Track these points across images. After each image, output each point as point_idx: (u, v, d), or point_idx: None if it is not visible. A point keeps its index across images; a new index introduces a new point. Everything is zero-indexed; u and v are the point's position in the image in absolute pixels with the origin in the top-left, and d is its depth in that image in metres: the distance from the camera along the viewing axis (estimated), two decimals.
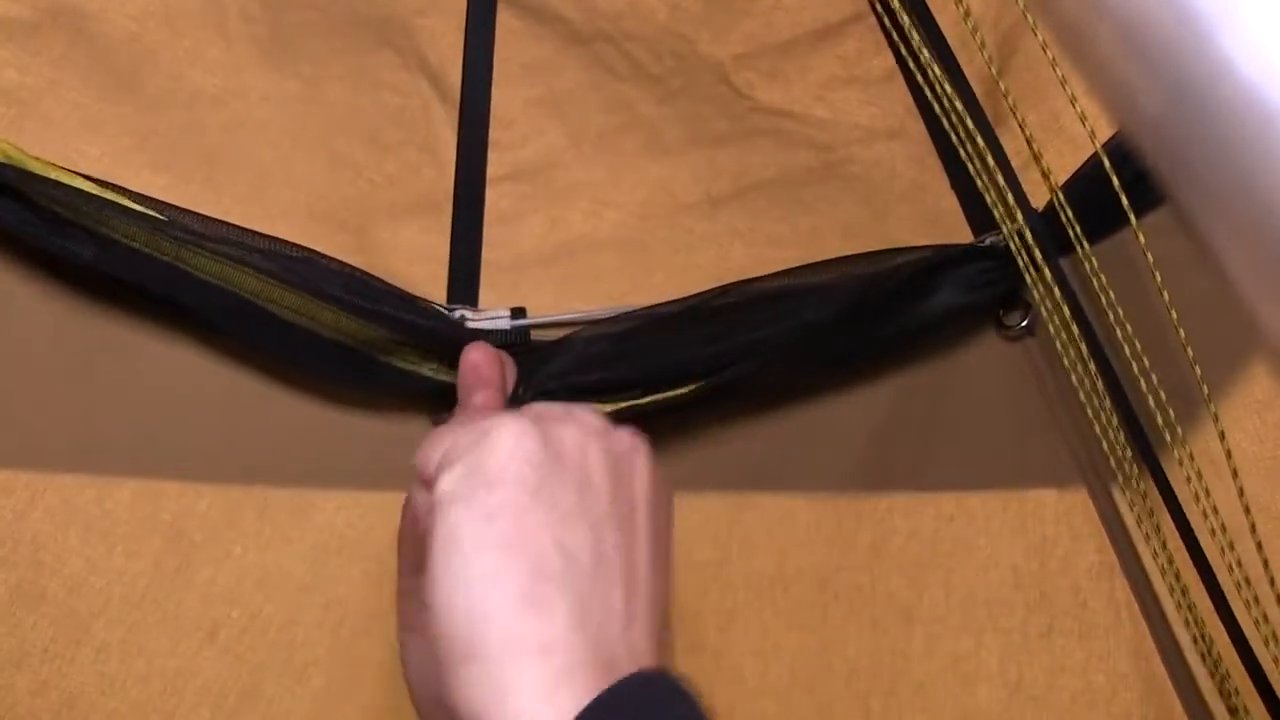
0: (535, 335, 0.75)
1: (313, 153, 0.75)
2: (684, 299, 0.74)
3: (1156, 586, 0.78)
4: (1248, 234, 0.23)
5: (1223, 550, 0.71)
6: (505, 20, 0.78)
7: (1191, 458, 0.71)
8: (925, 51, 0.73)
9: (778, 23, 0.80)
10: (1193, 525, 0.74)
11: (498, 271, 0.77)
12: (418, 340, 0.70)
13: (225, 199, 0.73)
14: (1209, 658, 0.73)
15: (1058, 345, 0.74)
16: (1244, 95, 0.22)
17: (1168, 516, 0.75)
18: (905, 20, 0.74)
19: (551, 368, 0.71)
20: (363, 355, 0.71)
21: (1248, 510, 0.70)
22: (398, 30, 0.77)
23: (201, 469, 0.73)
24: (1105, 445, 0.75)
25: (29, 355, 0.71)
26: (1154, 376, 0.72)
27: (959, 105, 0.73)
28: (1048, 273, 0.74)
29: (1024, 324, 0.80)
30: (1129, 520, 0.79)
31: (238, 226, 0.69)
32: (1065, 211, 0.73)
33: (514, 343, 0.74)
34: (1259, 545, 0.70)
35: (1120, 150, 0.70)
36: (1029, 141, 0.75)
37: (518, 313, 0.74)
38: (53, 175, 0.65)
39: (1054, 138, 0.77)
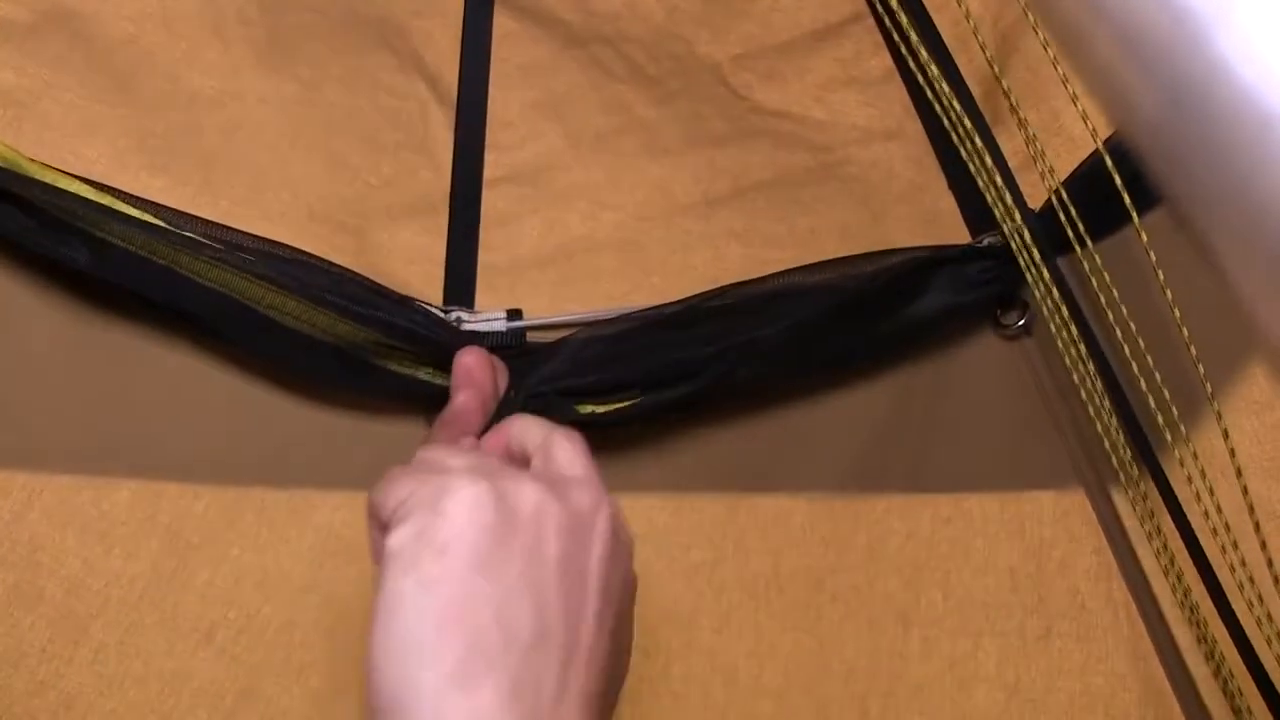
0: (532, 337, 0.75)
1: (310, 154, 0.75)
2: (681, 301, 0.74)
3: (1156, 588, 0.78)
4: (1244, 235, 0.23)
5: (1224, 550, 0.71)
6: (502, 22, 0.78)
7: (1195, 457, 0.71)
8: (924, 51, 0.73)
9: (775, 24, 0.80)
10: (1194, 526, 0.74)
11: (495, 273, 0.77)
12: (413, 344, 0.70)
13: (223, 200, 0.73)
14: (1212, 658, 0.73)
15: (1059, 344, 0.74)
16: (1240, 97, 0.22)
17: (1168, 517, 0.75)
18: (903, 20, 0.74)
19: (544, 371, 0.70)
20: (358, 359, 0.71)
21: (1252, 509, 0.70)
22: (394, 32, 0.77)
23: (199, 470, 0.73)
24: (1106, 445, 0.75)
25: (27, 356, 0.71)
26: (1157, 375, 0.72)
27: (956, 105, 0.73)
28: (1045, 272, 0.74)
29: (1021, 324, 0.80)
30: (1128, 521, 0.79)
31: (233, 229, 0.69)
32: (1065, 210, 0.73)
33: (510, 344, 0.74)
34: (1263, 544, 0.70)
35: (1119, 150, 0.70)
36: (1028, 142, 0.75)
37: (514, 314, 0.74)
38: (49, 178, 0.65)
39: (1053, 137, 0.77)
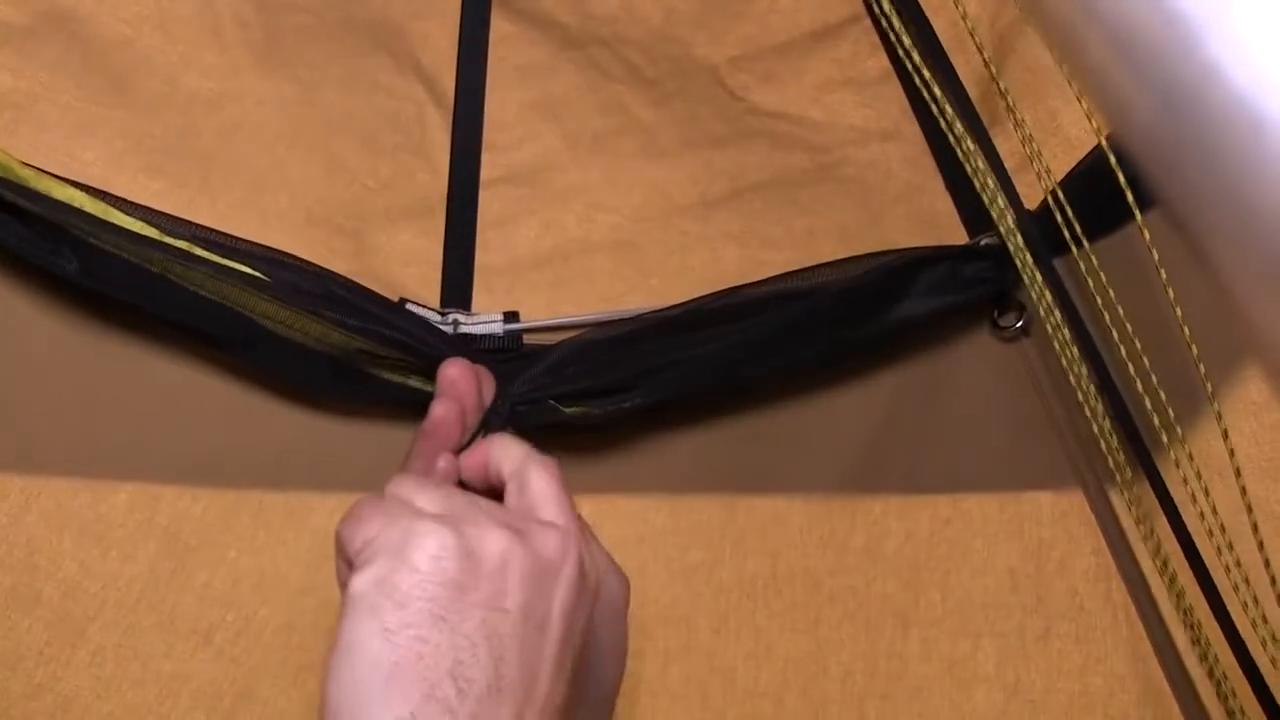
0: (528, 339, 0.75)
1: (308, 156, 0.75)
2: (681, 304, 0.74)
3: (1155, 589, 0.78)
4: (1237, 238, 0.23)
5: (1220, 551, 0.71)
6: (499, 24, 0.78)
7: (1191, 458, 0.71)
8: (915, 55, 0.73)
9: (773, 25, 0.80)
10: (1190, 527, 0.74)
11: (492, 274, 0.77)
12: (404, 353, 0.70)
13: (221, 203, 0.73)
14: (1206, 659, 0.73)
15: (1055, 344, 0.73)
16: (1232, 100, 0.22)
17: (1164, 518, 0.75)
18: (896, 24, 0.74)
19: (535, 378, 0.70)
20: (351, 368, 0.71)
21: (1250, 510, 0.70)
22: (392, 34, 0.77)
23: (197, 473, 0.73)
24: (1102, 446, 0.75)
25: (25, 360, 0.71)
26: (1153, 377, 0.72)
27: (949, 109, 0.73)
28: (1038, 275, 0.73)
29: (1019, 325, 0.80)
30: (1127, 522, 0.79)
31: (229, 235, 0.69)
32: (1062, 210, 0.73)
33: (507, 347, 0.74)
34: (1260, 544, 0.70)
35: (1118, 149, 0.70)
36: (1025, 142, 0.75)
37: (510, 317, 0.74)
38: (44, 186, 0.65)
39: (1050, 137, 0.77)
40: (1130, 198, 0.69)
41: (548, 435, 0.72)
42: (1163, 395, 0.72)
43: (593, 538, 0.64)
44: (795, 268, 0.75)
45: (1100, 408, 0.74)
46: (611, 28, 0.78)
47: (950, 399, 0.82)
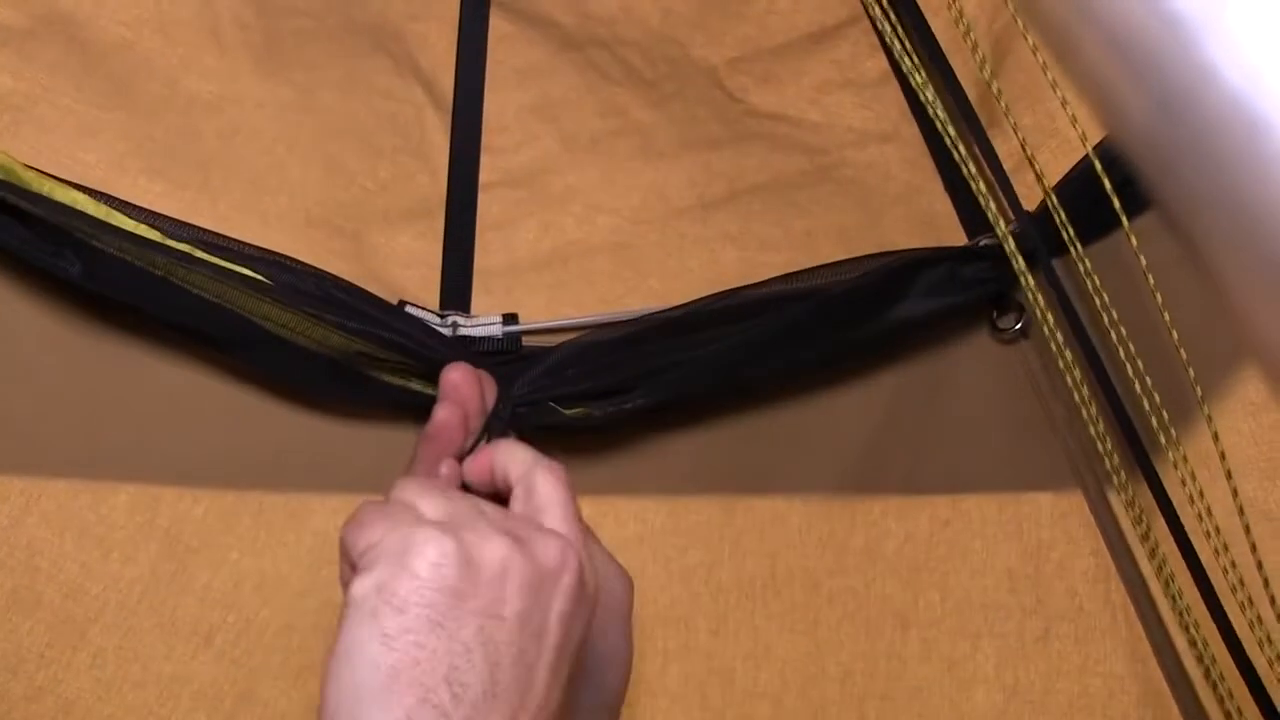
0: (528, 341, 0.75)
1: (308, 159, 0.75)
2: (681, 306, 0.74)
3: (1154, 590, 0.78)
4: (1234, 240, 0.23)
5: (1217, 553, 0.71)
6: (498, 25, 0.78)
7: (1185, 460, 0.71)
8: (909, 58, 0.73)
9: (771, 27, 0.80)
10: (1188, 528, 0.74)
11: (491, 276, 0.77)
12: (404, 356, 0.70)
13: (221, 204, 0.73)
14: (1204, 660, 0.73)
15: (1053, 347, 0.74)
16: (1228, 102, 0.22)
17: (1162, 521, 0.75)
18: (888, 27, 0.74)
19: (535, 380, 0.70)
20: (352, 371, 0.71)
21: (1241, 512, 0.70)
22: (391, 36, 0.77)
23: (197, 475, 0.73)
24: (1100, 448, 0.75)
25: (27, 362, 0.71)
26: (1148, 379, 0.72)
27: (941, 112, 0.73)
28: (1031, 278, 0.73)
29: (1018, 326, 0.80)
30: (1125, 523, 0.79)
31: (229, 238, 0.69)
32: (1058, 213, 0.73)
33: (506, 349, 0.74)
34: (1253, 547, 0.70)
35: (1111, 152, 0.70)
36: (1022, 145, 0.75)
37: (510, 319, 0.74)
38: (45, 188, 0.65)
39: (1049, 138, 0.77)
40: (1117, 204, 0.69)
41: (547, 436, 0.72)
42: (1157, 397, 0.72)
43: (595, 540, 0.65)
44: (794, 269, 0.75)
45: (1095, 411, 0.74)
46: (610, 29, 0.78)
47: (949, 400, 0.82)
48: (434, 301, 0.76)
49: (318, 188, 0.75)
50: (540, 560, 0.53)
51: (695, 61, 0.79)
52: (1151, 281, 0.70)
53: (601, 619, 0.62)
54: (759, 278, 0.75)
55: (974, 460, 0.82)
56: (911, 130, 0.81)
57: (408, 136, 0.77)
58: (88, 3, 0.71)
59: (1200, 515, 0.71)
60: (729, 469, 0.79)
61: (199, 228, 0.68)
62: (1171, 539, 0.74)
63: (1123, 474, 0.75)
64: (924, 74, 0.74)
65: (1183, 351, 0.70)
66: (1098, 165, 0.69)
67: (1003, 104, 0.73)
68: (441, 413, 0.65)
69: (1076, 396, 0.74)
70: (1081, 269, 0.73)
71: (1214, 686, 0.73)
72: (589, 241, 0.78)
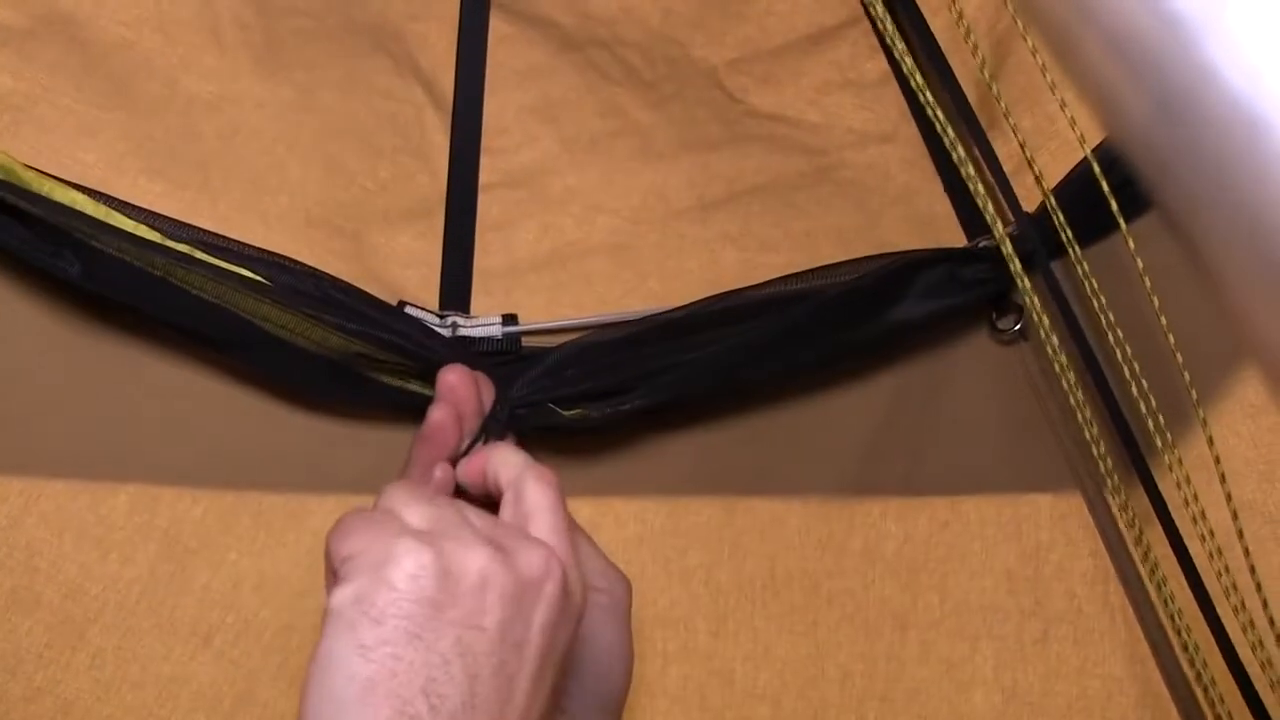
0: (527, 342, 0.75)
1: (308, 159, 0.75)
2: (680, 307, 0.74)
3: (1151, 592, 0.78)
4: (1234, 240, 0.23)
5: (1211, 556, 0.71)
6: (498, 26, 0.78)
7: (1181, 463, 0.71)
8: (908, 59, 0.73)
9: (771, 28, 0.80)
10: (1184, 532, 0.74)
11: (490, 277, 0.77)
12: (402, 357, 0.70)
13: (221, 205, 0.73)
14: (1194, 664, 0.73)
15: (1049, 350, 0.73)
16: (1228, 102, 0.22)
17: (1158, 524, 0.75)
18: (888, 27, 0.74)
19: (533, 381, 0.70)
20: (351, 371, 0.71)
21: (1235, 515, 0.70)
22: (391, 36, 0.77)
23: (196, 475, 0.73)
24: (1094, 452, 0.74)
25: (25, 362, 0.71)
26: (1144, 382, 0.72)
27: (940, 113, 0.73)
28: (1026, 281, 0.73)
29: (1017, 327, 0.80)
30: (1123, 526, 0.79)
31: (229, 238, 0.69)
32: (1056, 215, 0.73)
33: (506, 350, 0.74)
34: (1246, 551, 0.70)
35: (1110, 154, 0.70)
36: (1022, 146, 0.75)
37: (509, 319, 0.74)
38: (45, 188, 0.65)
39: (1049, 140, 0.77)
40: (1115, 206, 0.69)
41: (546, 437, 0.72)
42: (1153, 400, 0.72)
43: (590, 542, 0.65)
44: (793, 270, 0.75)
45: (1090, 414, 0.74)
46: (610, 29, 0.78)
47: (948, 401, 0.82)
48: (433, 302, 0.76)
49: (318, 188, 0.75)
50: (521, 570, 0.53)
51: (695, 62, 0.79)
52: (1149, 284, 0.70)
53: (599, 620, 0.62)
54: (758, 279, 0.75)
55: (973, 461, 0.82)
56: (911, 131, 0.81)
57: (408, 137, 0.77)
58: (88, 3, 0.71)
59: (1195, 518, 0.71)
60: (728, 470, 0.79)
61: (198, 228, 0.68)
62: (1166, 543, 0.74)
63: (1116, 477, 0.75)
64: (923, 75, 0.74)
65: (1179, 355, 0.70)
66: (1096, 167, 0.69)
67: (1002, 105, 0.73)
68: (436, 414, 0.65)
69: (1072, 399, 0.73)
70: (1080, 271, 0.73)
71: (1204, 691, 0.73)
72: (588, 242, 0.78)
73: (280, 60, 0.75)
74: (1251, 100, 0.22)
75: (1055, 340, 0.73)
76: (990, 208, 0.74)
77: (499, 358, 0.73)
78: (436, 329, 0.73)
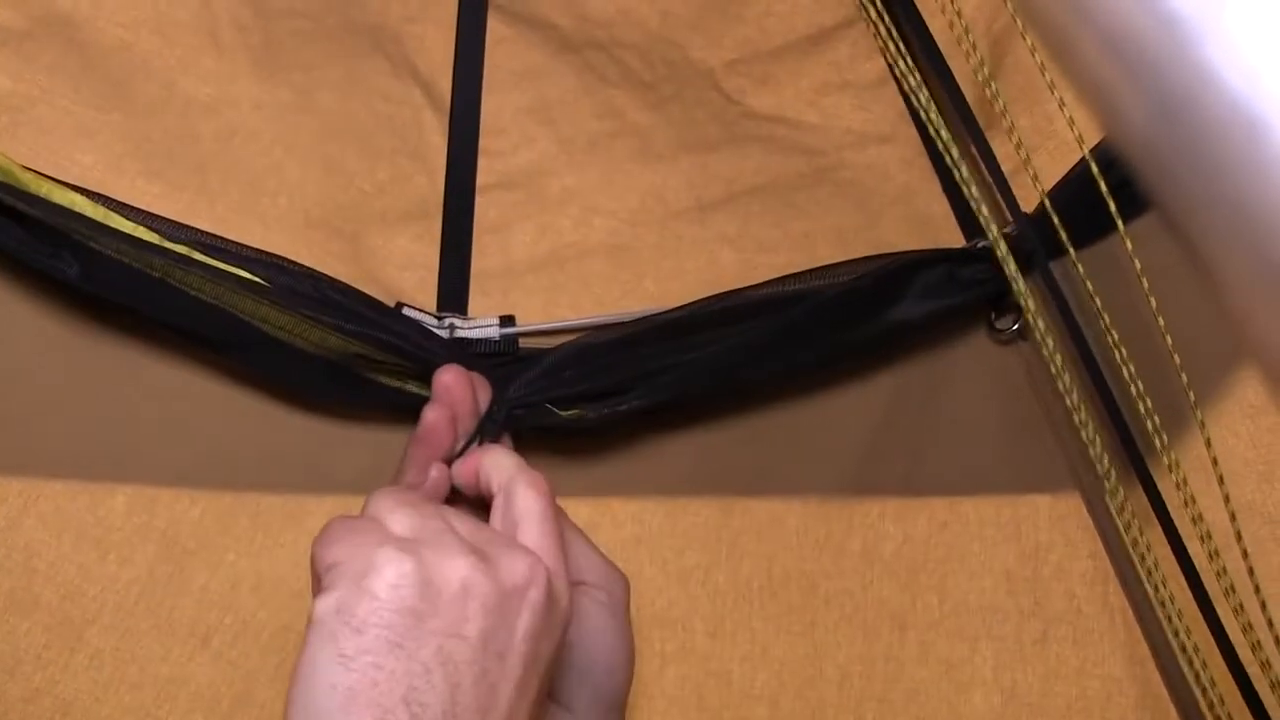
0: (525, 343, 0.75)
1: (306, 160, 0.75)
2: (679, 308, 0.74)
3: (1150, 593, 0.78)
4: (1233, 241, 0.23)
5: (1210, 556, 0.71)
6: (495, 27, 0.78)
7: (1177, 464, 0.71)
8: (903, 61, 0.73)
9: (769, 28, 0.80)
10: (1183, 533, 0.74)
11: (488, 279, 0.77)
12: (400, 358, 0.70)
13: (219, 207, 0.73)
14: (1194, 665, 0.73)
15: (1044, 352, 0.73)
16: (1227, 103, 0.22)
17: (1157, 525, 0.75)
18: (883, 28, 0.74)
19: (530, 382, 0.70)
20: (349, 373, 0.71)
21: (1233, 517, 0.70)
22: (389, 38, 0.77)
23: (195, 476, 0.73)
24: (1091, 453, 0.74)
25: (23, 363, 0.71)
26: (1142, 383, 0.72)
27: (934, 115, 0.73)
28: (1021, 283, 0.73)
29: (1015, 327, 0.80)
30: (1121, 526, 0.79)
31: (227, 239, 0.69)
32: (1053, 216, 0.73)
33: (504, 351, 0.74)
34: (1244, 553, 0.70)
35: (1108, 155, 0.70)
36: (1017, 147, 0.75)
37: (506, 321, 0.74)
38: (44, 190, 0.65)
39: (1048, 140, 0.77)
40: (1113, 207, 0.69)
41: (543, 438, 0.72)
42: (1149, 401, 0.72)
43: (587, 540, 0.65)
44: (792, 271, 0.75)
45: (1085, 415, 0.74)
46: (608, 31, 0.78)
47: (947, 401, 0.82)
48: (431, 303, 0.76)
49: (316, 189, 0.75)
50: (504, 578, 0.53)
51: (693, 63, 0.79)
52: (1147, 284, 0.70)
53: (598, 618, 0.62)
54: (757, 279, 0.75)
55: (972, 462, 0.82)
56: (909, 132, 0.81)
57: (405, 138, 0.77)
58: (86, 4, 0.71)
59: (1194, 519, 0.71)
60: (727, 470, 0.79)
61: (196, 229, 0.68)
62: (1166, 543, 0.74)
63: (1115, 477, 0.74)
64: (919, 76, 0.74)
65: (1177, 356, 0.70)
66: (1094, 167, 0.69)
67: (1000, 105, 0.73)
68: (431, 414, 0.65)
69: (1068, 401, 0.73)
70: (1078, 272, 0.73)
71: (1204, 691, 0.73)
72: (586, 243, 0.78)
73: (278, 62, 0.75)
74: (1250, 101, 0.22)
75: (1053, 341, 0.73)
76: (984, 210, 0.74)
77: (497, 359, 0.73)
78: (434, 330, 0.73)
